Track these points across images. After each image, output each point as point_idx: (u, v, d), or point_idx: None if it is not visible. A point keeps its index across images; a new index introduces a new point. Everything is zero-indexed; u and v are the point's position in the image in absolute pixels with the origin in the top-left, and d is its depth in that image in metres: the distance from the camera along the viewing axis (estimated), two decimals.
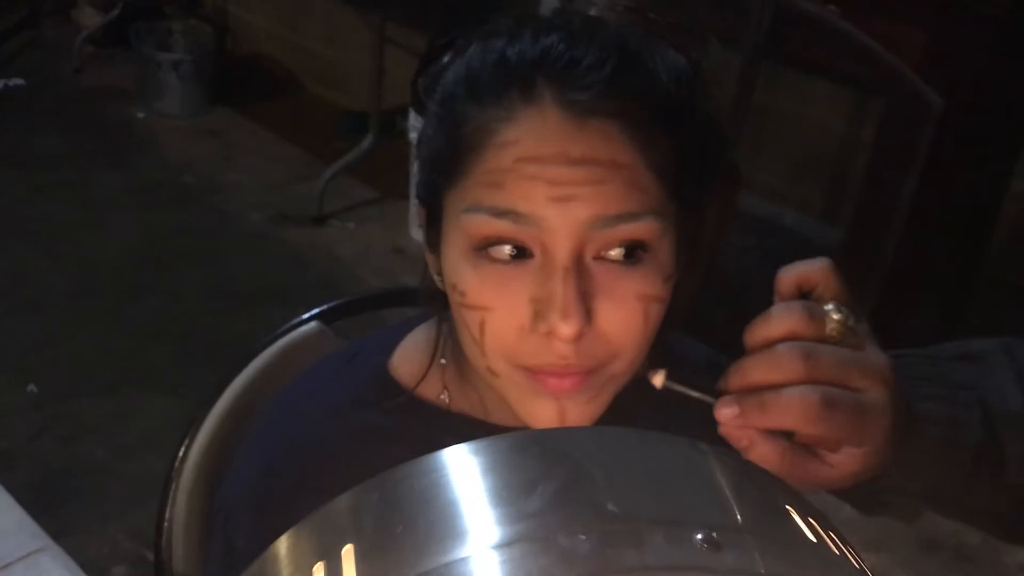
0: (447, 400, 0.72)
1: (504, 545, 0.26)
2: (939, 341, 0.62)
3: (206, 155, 3.21)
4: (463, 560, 0.26)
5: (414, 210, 2.62)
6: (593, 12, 0.64)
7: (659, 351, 0.62)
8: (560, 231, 0.57)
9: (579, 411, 0.61)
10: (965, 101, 1.92)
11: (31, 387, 2.21)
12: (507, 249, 0.58)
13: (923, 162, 1.96)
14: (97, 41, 3.72)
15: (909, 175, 1.98)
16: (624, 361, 0.61)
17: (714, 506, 0.29)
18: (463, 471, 0.30)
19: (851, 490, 0.57)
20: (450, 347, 0.71)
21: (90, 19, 3.82)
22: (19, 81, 3.52)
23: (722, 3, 1.97)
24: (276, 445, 0.73)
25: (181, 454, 0.89)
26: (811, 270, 0.54)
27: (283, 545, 0.31)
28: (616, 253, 0.58)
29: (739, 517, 0.29)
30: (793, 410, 0.49)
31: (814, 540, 0.29)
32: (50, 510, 1.84)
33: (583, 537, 0.26)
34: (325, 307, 0.95)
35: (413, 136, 2.39)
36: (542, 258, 0.58)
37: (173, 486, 0.89)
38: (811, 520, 0.31)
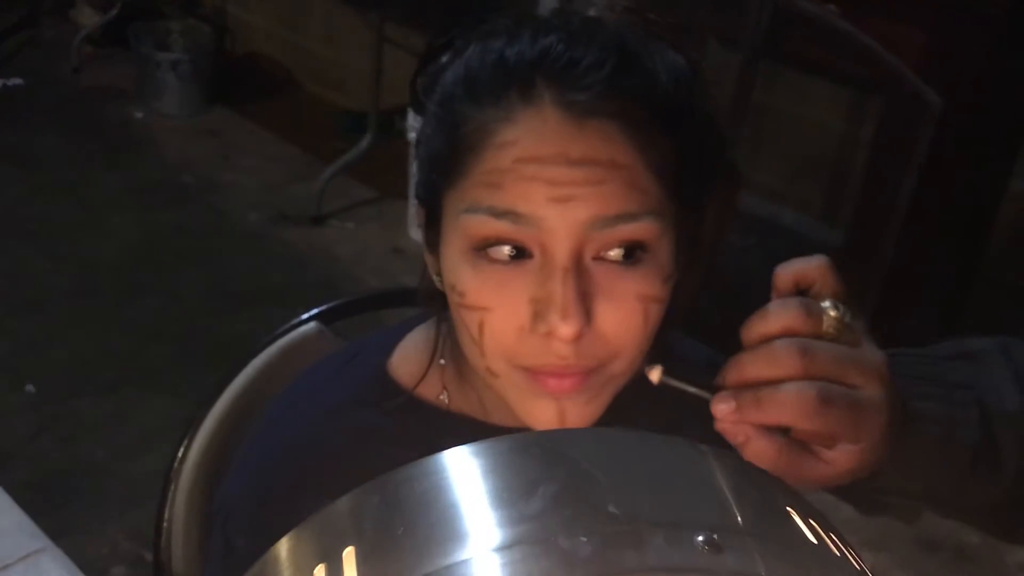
0: (446, 400, 0.72)
1: (505, 547, 0.26)
2: (938, 341, 0.62)
3: (205, 155, 3.21)
4: (464, 562, 0.26)
5: (413, 210, 2.62)
6: (592, 12, 0.64)
7: (659, 351, 0.62)
8: (559, 231, 0.57)
9: (578, 411, 0.61)
10: (964, 101, 1.92)
11: (29, 387, 2.21)
12: (506, 249, 0.58)
13: (922, 162, 1.96)
14: (96, 41, 3.72)
15: (908, 175, 1.98)
16: (623, 361, 0.61)
17: (715, 508, 0.29)
18: (464, 473, 0.30)
19: (849, 489, 0.57)
20: (449, 347, 0.71)
21: (89, 19, 3.82)
22: (18, 81, 3.52)
23: (721, 3, 1.97)
24: (275, 445, 0.73)
25: (180, 454, 0.89)
26: (808, 267, 0.54)
27: (284, 547, 0.31)
28: (615, 253, 0.58)
29: (740, 519, 0.29)
30: (789, 405, 0.49)
31: (815, 541, 0.29)
32: (49, 511, 1.84)
33: (584, 539, 0.26)
34: (324, 307, 0.95)
35: (412, 136, 2.39)
36: (541, 258, 0.58)
37: (172, 486, 0.89)
38: (812, 521, 0.31)
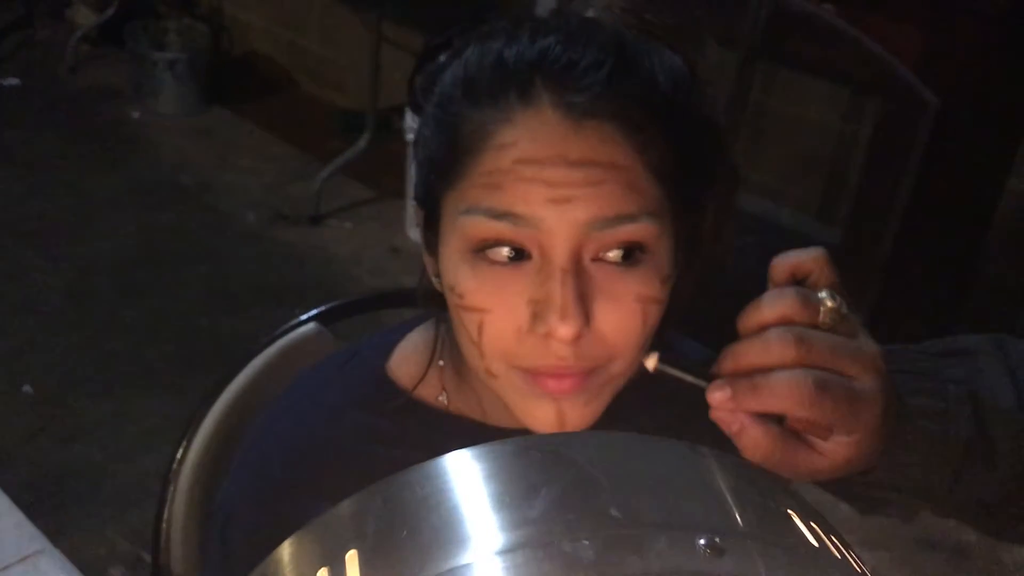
0: (445, 401, 0.72)
1: (508, 551, 0.26)
2: (934, 339, 0.62)
3: (202, 155, 3.21)
4: (467, 566, 0.26)
5: (411, 210, 2.62)
6: (590, 13, 0.64)
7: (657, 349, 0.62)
8: (558, 232, 0.57)
9: (577, 412, 0.61)
10: (962, 100, 1.92)
11: (27, 388, 2.21)
12: (505, 251, 0.58)
13: (920, 161, 1.96)
14: (92, 40, 3.71)
15: (906, 174, 1.98)
16: (622, 362, 0.61)
17: (716, 511, 0.29)
18: (466, 476, 0.30)
19: (843, 485, 0.57)
20: (448, 348, 0.71)
21: (85, 18, 3.81)
22: (14, 81, 3.51)
23: (719, 3, 1.97)
24: (275, 447, 0.73)
25: (179, 455, 0.89)
26: (805, 258, 0.54)
27: (286, 551, 0.31)
28: (614, 254, 0.58)
29: (741, 521, 0.29)
30: (785, 393, 0.49)
31: (816, 544, 0.29)
32: (47, 511, 1.84)
33: (586, 542, 0.26)
34: (324, 308, 0.95)
35: (410, 136, 2.39)
36: (540, 260, 0.58)
37: (171, 487, 0.89)
38: (812, 524, 0.31)
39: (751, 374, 0.51)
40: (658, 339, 0.62)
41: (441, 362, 0.72)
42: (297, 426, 0.73)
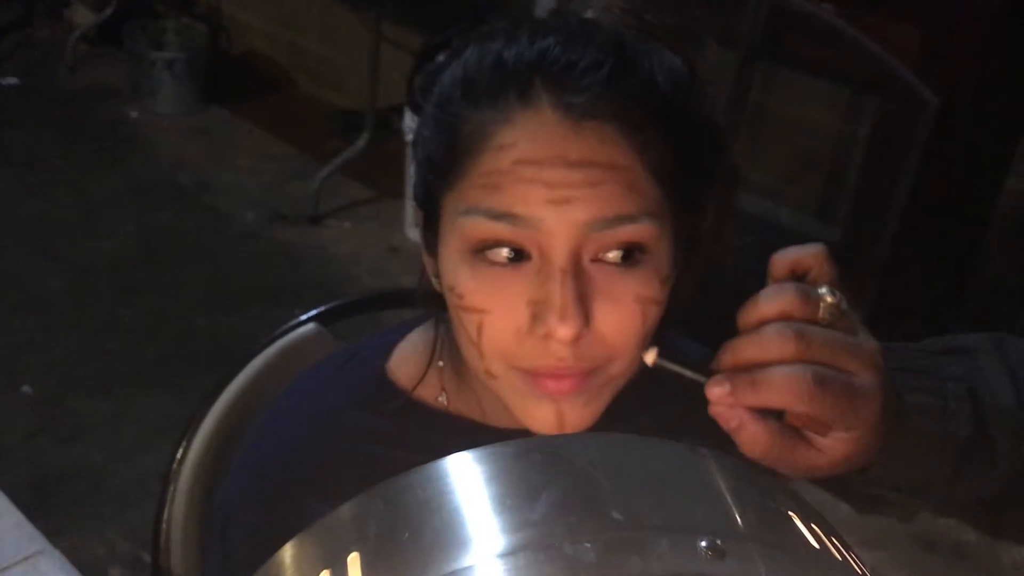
0: (445, 402, 0.72)
1: (509, 554, 0.26)
2: (933, 337, 0.62)
3: (200, 154, 3.21)
4: (468, 569, 0.26)
5: (410, 209, 2.62)
6: (589, 14, 0.64)
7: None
8: (558, 233, 0.57)
9: (577, 413, 0.61)
10: (961, 99, 1.92)
11: (26, 388, 2.20)
12: (505, 251, 0.58)
13: (919, 160, 1.96)
14: (90, 40, 3.71)
15: (905, 173, 1.99)
16: (622, 363, 0.61)
17: (718, 513, 0.29)
18: (467, 478, 0.30)
19: (842, 484, 0.57)
20: (448, 349, 0.71)
21: (83, 18, 3.81)
22: (12, 80, 3.51)
23: (718, 3, 1.97)
24: (274, 447, 0.73)
25: (179, 455, 0.89)
26: (805, 254, 0.54)
27: (288, 553, 0.31)
28: (614, 255, 0.58)
29: (742, 523, 0.29)
30: (784, 387, 0.49)
31: (816, 546, 0.29)
32: (46, 511, 1.84)
33: (588, 545, 0.26)
34: (323, 308, 0.95)
35: (409, 135, 2.39)
36: (540, 260, 0.58)
37: (171, 487, 0.89)
38: (813, 525, 0.31)
39: (750, 369, 0.50)
40: (657, 339, 0.62)
41: (441, 363, 0.72)
42: (297, 426, 0.73)
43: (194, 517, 0.89)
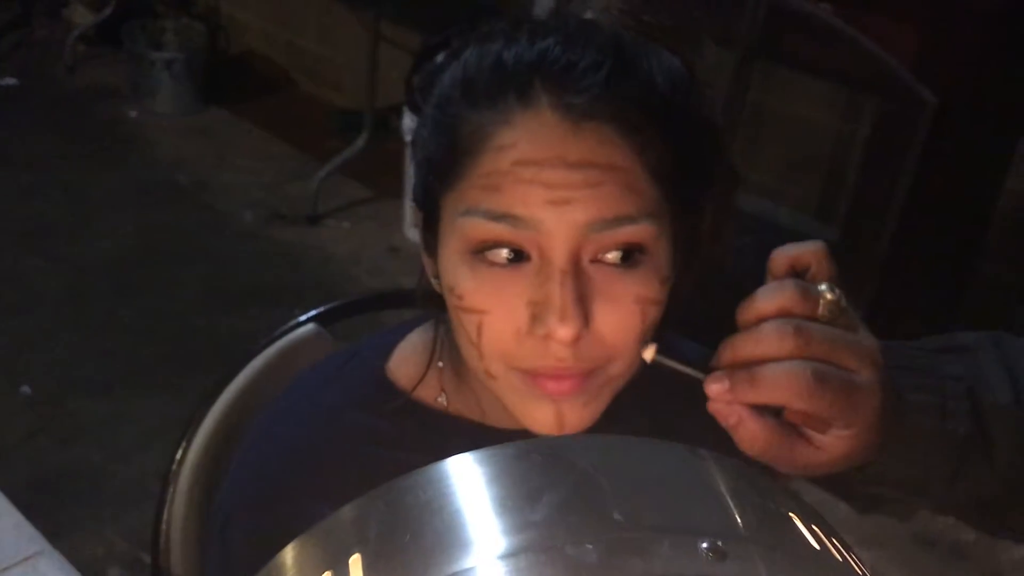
0: (445, 403, 0.72)
1: (511, 555, 0.26)
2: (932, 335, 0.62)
3: (199, 154, 3.20)
4: (470, 570, 0.26)
5: (409, 209, 2.62)
6: (588, 15, 0.64)
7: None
8: (557, 234, 0.57)
9: (577, 414, 0.61)
10: (960, 99, 1.92)
11: (25, 388, 2.20)
12: (504, 252, 0.58)
13: (918, 160, 1.96)
14: (89, 40, 3.71)
15: (904, 173, 1.99)
16: (621, 363, 0.61)
17: (719, 514, 0.29)
18: (468, 480, 0.30)
19: (841, 482, 0.57)
20: (448, 349, 0.71)
21: (82, 18, 3.81)
22: (11, 80, 3.51)
23: (716, 3, 1.97)
24: (273, 448, 0.73)
25: (179, 456, 0.89)
26: (805, 251, 0.54)
27: (289, 555, 0.31)
28: (613, 256, 0.59)
29: (743, 524, 0.29)
30: (783, 384, 0.49)
31: (817, 547, 0.30)
32: (45, 512, 1.83)
33: (589, 546, 0.26)
34: (322, 309, 0.95)
35: (408, 135, 2.39)
36: (539, 261, 0.58)
37: (171, 488, 0.89)
38: (814, 526, 0.31)
39: (749, 366, 0.50)
40: (657, 337, 0.62)
41: (440, 363, 0.72)
42: (296, 427, 0.73)
43: (193, 518, 0.89)
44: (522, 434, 0.65)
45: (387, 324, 0.79)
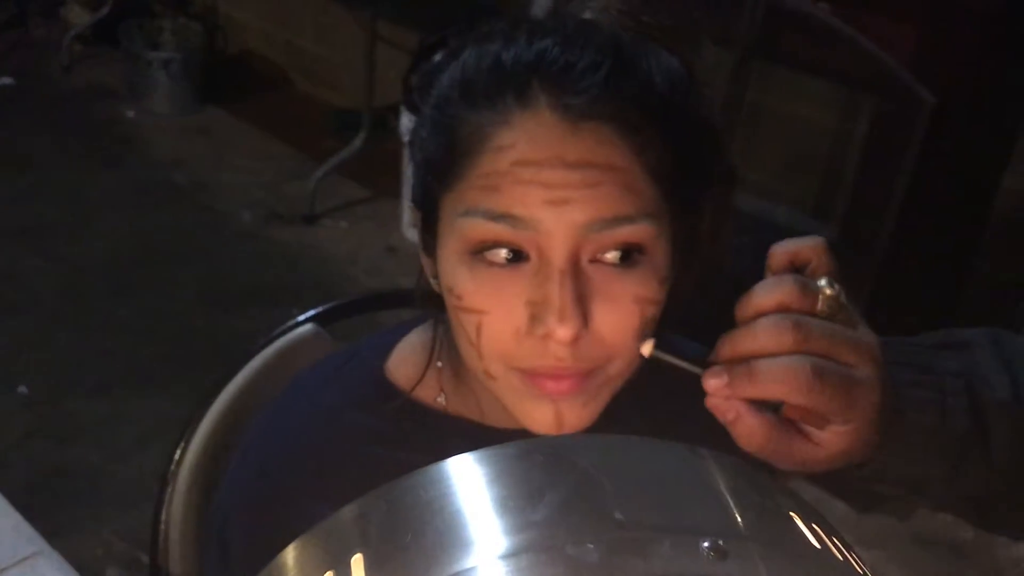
0: (444, 403, 0.72)
1: (511, 555, 0.26)
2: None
3: (196, 154, 3.20)
4: (471, 570, 0.26)
5: (407, 209, 2.62)
6: (587, 15, 0.64)
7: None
8: (556, 234, 0.57)
9: (576, 414, 0.61)
10: (958, 98, 1.93)
11: (22, 388, 2.20)
12: (503, 252, 0.58)
13: (916, 159, 1.97)
14: (86, 39, 3.70)
15: (902, 172, 1.99)
16: (620, 363, 0.61)
17: (719, 514, 0.29)
18: (469, 480, 0.30)
19: (839, 480, 0.57)
20: (447, 350, 0.71)
21: (79, 17, 3.80)
22: (8, 80, 3.50)
23: (714, 3, 1.97)
24: (272, 448, 0.73)
25: (177, 456, 0.89)
26: (804, 246, 0.54)
27: (290, 555, 0.31)
28: (612, 256, 0.59)
29: (743, 524, 0.29)
30: (782, 378, 0.49)
31: (818, 546, 0.30)
32: (42, 512, 1.83)
33: (591, 546, 0.26)
34: (321, 309, 0.95)
35: (405, 135, 2.38)
36: (538, 261, 0.58)
37: (169, 488, 0.89)
38: (814, 525, 0.31)
39: (748, 361, 0.50)
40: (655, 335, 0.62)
41: (439, 363, 0.72)
42: (295, 427, 0.73)
43: (192, 518, 0.89)
44: (521, 434, 0.65)
45: (386, 324, 0.79)
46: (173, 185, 3.03)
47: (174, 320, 2.45)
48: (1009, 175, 2.15)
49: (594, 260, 0.59)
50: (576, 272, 0.58)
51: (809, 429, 0.52)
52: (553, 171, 0.57)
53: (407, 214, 2.69)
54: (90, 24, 3.69)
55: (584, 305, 0.58)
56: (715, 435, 0.51)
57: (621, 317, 0.59)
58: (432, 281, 0.66)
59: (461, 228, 0.59)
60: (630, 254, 0.59)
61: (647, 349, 0.55)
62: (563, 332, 0.57)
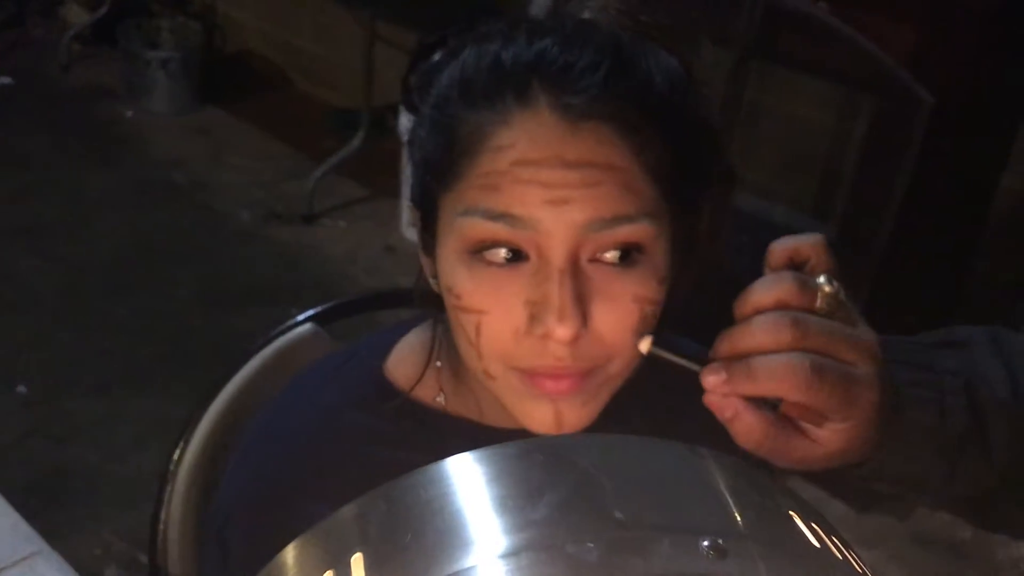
0: (443, 402, 0.72)
1: (511, 554, 0.26)
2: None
3: (195, 153, 3.20)
4: (470, 569, 0.26)
5: (406, 208, 2.62)
6: (586, 15, 0.64)
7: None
8: (556, 234, 0.57)
9: (575, 413, 0.61)
10: (956, 98, 1.93)
11: (21, 388, 2.20)
12: (502, 252, 0.58)
13: (915, 158, 1.97)
14: (85, 39, 3.70)
15: (901, 172, 1.99)
16: (620, 362, 0.61)
17: (719, 513, 0.29)
18: (469, 479, 0.30)
19: (838, 479, 0.57)
20: (446, 349, 0.71)
21: (77, 17, 3.80)
22: (6, 79, 3.50)
23: (713, 3, 1.97)
24: (271, 448, 0.73)
25: (176, 456, 0.89)
26: (803, 244, 0.54)
27: (290, 554, 0.31)
28: (611, 255, 0.59)
29: (742, 523, 0.29)
30: (781, 375, 0.49)
31: (817, 545, 0.30)
32: (41, 512, 1.83)
33: (590, 545, 0.26)
34: (320, 309, 0.95)
35: (404, 134, 2.38)
36: (538, 261, 0.58)
37: (168, 488, 0.89)
38: (813, 524, 0.31)
39: (746, 358, 0.50)
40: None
41: (439, 363, 0.72)
42: (294, 427, 0.73)
43: (191, 517, 0.89)
44: (521, 434, 0.65)
45: (385, 324, 0.79)
46: (172, 184, 3.03)
47: (173, 320, 2.45)
48: (1008, 175, 2.15)
49: (593, 260, 0.59)
50: (575, 272, 0.58)
51: (807, 427, 0.52)
52: (552, 171, 0.57)
53: (406, 213, 2.69)
54: (89, 23, 3.69)
55: (583, 305, 0.58)
56: (714, 434, 0.51)
57: (620, 316, 0.59)
58: (431, 281, 0.66)
59: (460, 227, 0.59)
60: (629, 254, 0.59)
61: (645, 346, 0.55)
62: (562, 332, 0.57)
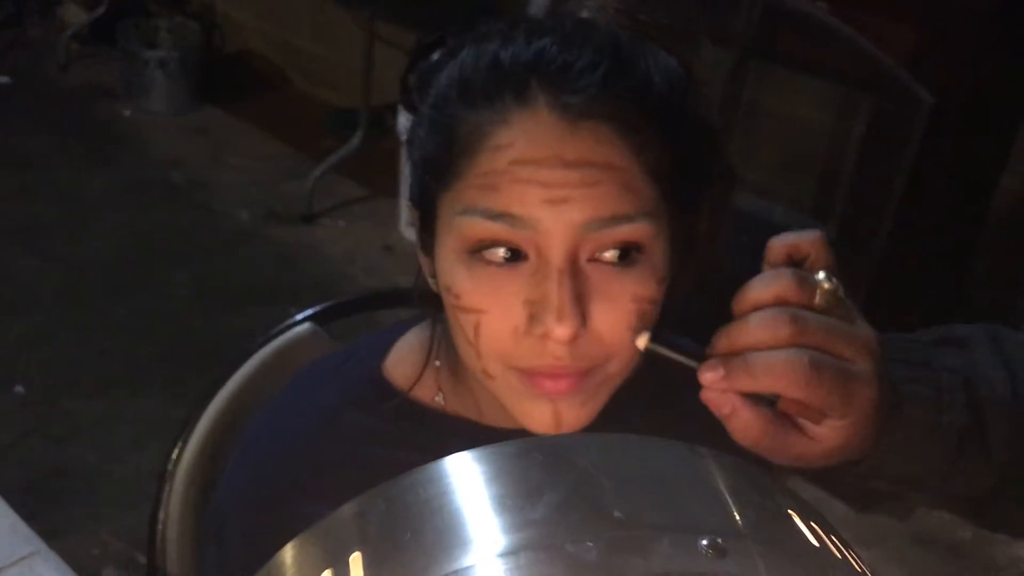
0: (442, 402, 0.72)
1: (510, 553, 0.26)
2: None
3: (194, 153, 3.20)
4: (469, 568, 0.26)
5: (405, 208, 2.62)
6: (585, 14, 0.64)
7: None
8: (555, 233, 0.57)
9: (574, 413, 0.61)
10: (956, 98, 1.93)
11: (19, 388, 2.20)
12: (501, 251, 0.58)
13: (914, 158, 1.97)
14: (83, 39, 3.70)
15: (900, 171, 1.99)
16: (619, 362, 0.61)
17: (718, 512, 0.29)
18: (468, 478, 0.30)
19: (836, 478, 0.57)
20: (445, 349, 0.71)
21: (76, 16, 3.80)
22: (5, 79, 3.50)
23: (712, 2, 1.97)
24: (270, 448, 0.73)
25: (175, 456, 0.89)
26: (803, 240, 0.54)
27: (289, 553, 0.31)
28: (610, 255, 0.58)
29: (742, 522, 0.29)
30: (779, 371, 0.49)
31: (816, 545, 0.30)
32: (39, 512, 1.83)
33: (589, 544, 0.26)
34: (319, 308, 0.95)
35: (403, 134, 2.38)
36: (537, 260, 0.58)
37: (167, 488, 0.89)
38: (813, 524, 0.31)
39: (745, 354, 0.50)
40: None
41: (437, 362, 0.72)
42: (293, 426, 0.73)
43: (189, 517, 0.89)
44: (520, 433, 0.65)
45: (384, 323, 0.79)
46: (170, 184, 3.03)
47: (172, 319, 2.45)
48: (1007, 174, 2.15)
49: (592, 259, 0.58)
50: (574, 271, 0.58)
51: (805, 424, 0.52)
52: (552, 170, 0.57)
53: (405, 213, 2.69)
54: (87, 23, 3.69)
55: (582, 304, 0.58)
56: (714, 433, 0.51)
57: (619, 316, 0.59)
58: (430, 280, 0.66)
59: (459, 227, 0.59)
60: (628, 253, 0.59)
61: (642, 342, 0.55)
62: (561, 331, 0.57)
